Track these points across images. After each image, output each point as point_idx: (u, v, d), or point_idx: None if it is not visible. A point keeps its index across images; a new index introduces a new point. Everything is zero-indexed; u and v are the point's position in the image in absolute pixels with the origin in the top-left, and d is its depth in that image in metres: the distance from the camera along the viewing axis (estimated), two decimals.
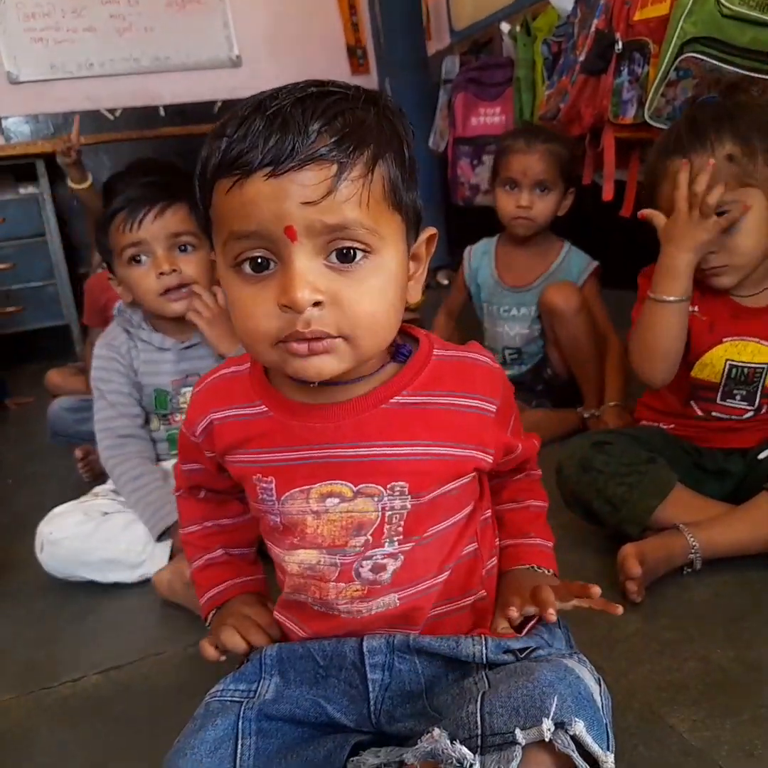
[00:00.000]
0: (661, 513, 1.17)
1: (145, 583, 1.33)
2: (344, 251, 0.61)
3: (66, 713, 1.02)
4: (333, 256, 0.61)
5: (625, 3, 2.22)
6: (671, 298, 1.18)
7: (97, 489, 1.49)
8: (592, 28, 2.31)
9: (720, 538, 1.14)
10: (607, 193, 2.31)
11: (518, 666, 0.67)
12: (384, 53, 4.38)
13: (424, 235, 0.70)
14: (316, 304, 0.61)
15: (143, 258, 1.35)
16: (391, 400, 0.71)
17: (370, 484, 0.70)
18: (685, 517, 1.17)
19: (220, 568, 0.86)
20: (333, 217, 0.60)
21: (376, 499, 0.71)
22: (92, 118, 3.88)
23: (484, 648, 0.71)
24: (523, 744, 0.59)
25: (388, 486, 0.70)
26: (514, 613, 0.73)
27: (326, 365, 0.64)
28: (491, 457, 0.75)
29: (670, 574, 1.13)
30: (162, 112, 4.01)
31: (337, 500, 0.71)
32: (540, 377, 1.92)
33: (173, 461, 1.47)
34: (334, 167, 0.59)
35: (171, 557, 1.33)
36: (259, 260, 0.62)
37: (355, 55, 4.45)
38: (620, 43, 2.17)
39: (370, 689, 0.74)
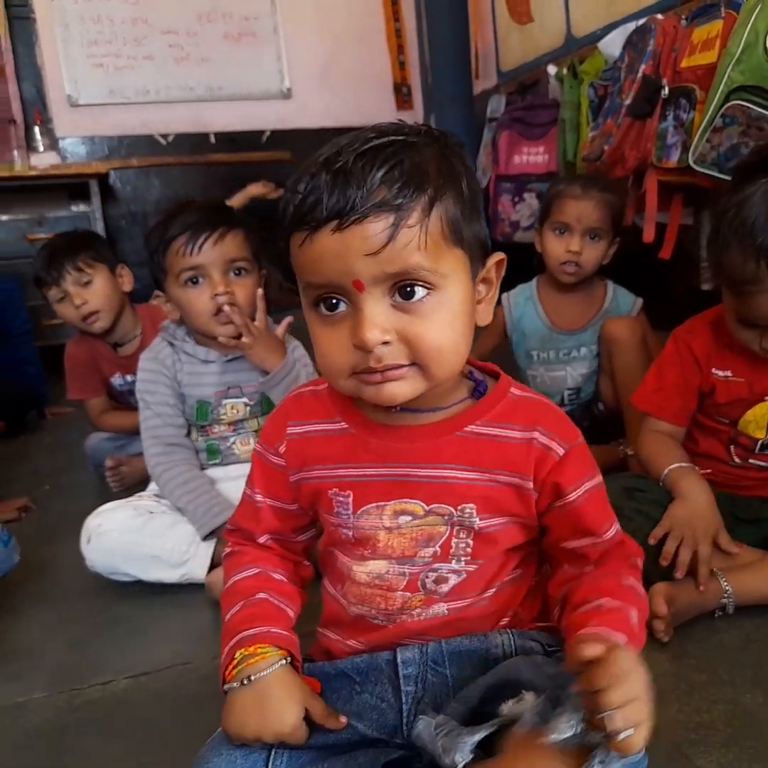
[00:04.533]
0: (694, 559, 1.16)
1: (174, 592, 1.35)
2: (408, 290, 0.64)
3: (94, 715, 1.04)
4: (398, 296, 0.65)
5: (672, 50, 2.26)
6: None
7: (141, 493, 1.52)
8: (640, 73, 2.34)
9: (753, 585, 1.13)
10: (648, 235, 2.32)
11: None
12: (431, 90, 4.47)
13: (492, 260, 0.72)
14: (385, 342, 0.64)
15: (200, 280, 1.39)
16: (466, 429, 0.73)
17: (441, 505, 0.74)
18: (718, 563, 1.16)
19: (260, 609, 0.78)
20: (394, 265, 0.63)
21: (446, 517, 0.74)
22: (146, 143, 4.02)
23: (510, 638, 0.76)
24: None
25: (459, 507, 0.73)
26: None
27: (399, 390, 0.67)
28: (545, 493, 0.75)
29: (700, 616, 1.12)
30: (212, 140, 4.13)
31: (409, 517, 0.74)
32: (589, 413, 1.93)
33: (213, 470, 1.51)
34: (392, 216, 0.62)
35: (212, 561, 1.35)
36: (334, 301, 0.66)
37: (401, 91, 4.55)
38: (667, 89, 2.20)
39: (404, 701, 0.75)
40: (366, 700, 0.76)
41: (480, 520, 0.74)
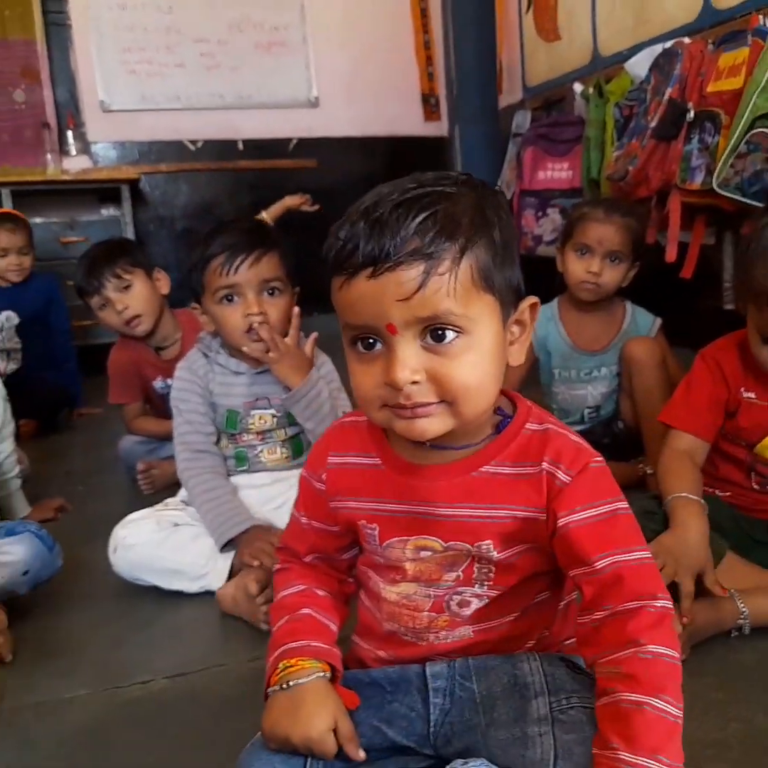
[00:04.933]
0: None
1: (205, 594, 1.40)
2: (438, 333, 0.68)
3: (136, 714, 1.09)
4: (428, 338, 0.68)
5: (699, 74, 2.30)
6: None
7: (169, 500, 1.58)
8: (666, 96, 2.38)
9: None
10: (671, 255, 2.37)
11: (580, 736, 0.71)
12: (456, 103, 4.52)
13: (526, 303, 0.75)
14: (415, 382, 0.68)
15: (235, 298, 1.45)
16: (481, 469, 0.77)
17: (458, 542, 0.78)
18: (735, 584, 1.19)
19: (304, 624, 0.83)
20: (425, 310, 0.67)
21: (464, 552, 0.78)
22: (175, 148, 4.09)
23: (538, 665, 0.79)
24: None
25: (475, 544, 0.77)
26: None
27: (429, 426, 0.71)
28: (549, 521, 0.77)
29: (717, 636, 1.16)
30: (240, 146, 4.20)
31: (429, 552, 0.79)
32: (609, 430, 1.97)
33: (240, 476, 1.56)
34: (424, 264, 0.66)
35: (230, 574, 1.41)
36: (370, 341, 0.71)
37: (429, 102, 4.60)
38: (692, 113, 2.24)
39: (432, 712, 0.80)
40: (396, 709, 0.81)
41: (497, 553, 0.77)
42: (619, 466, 1.88)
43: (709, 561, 1.17)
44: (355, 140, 4.43)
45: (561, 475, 0.75)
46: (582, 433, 0.88)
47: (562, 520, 0.74)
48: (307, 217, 3.31)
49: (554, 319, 2.03)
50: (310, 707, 0.75)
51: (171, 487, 2.00)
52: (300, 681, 0.77)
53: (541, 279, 2.26)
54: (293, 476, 1.58)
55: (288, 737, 0.74)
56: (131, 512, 1.94)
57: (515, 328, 0.76)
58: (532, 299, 0.76)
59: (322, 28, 4.26)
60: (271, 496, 1.56)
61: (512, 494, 0.76)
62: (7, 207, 3.35)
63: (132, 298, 1.98)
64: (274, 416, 1.56)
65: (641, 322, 1.97)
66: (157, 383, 2.08)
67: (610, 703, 0.69)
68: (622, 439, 1.97)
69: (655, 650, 0.69)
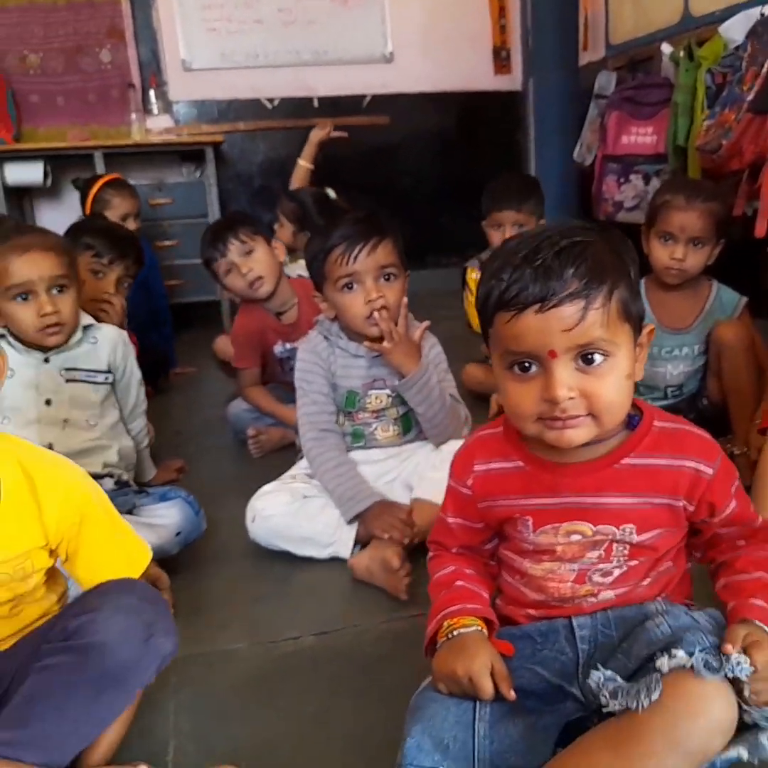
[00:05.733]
0: None
1: (332, 560, 1.55)
2: (589, 357, 0.83)
3: (290, 666, 1.25)
4: (580, 361, 0.83)
5: None
6: None
7: (294, 471, 1.72)
8: (765, 68, 2.36)
9: None
10: (761, 229, 2.37)
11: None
12: (531, 56, 4.45)
13: (645, 329, 0.90)
14: (570, 398, 0.82)
15: (355, 286, 1.55)
16: (622, 462, 0.91)
17: (606, 526, 0.92)
18: None
19: (459, 592, 0.98)
20: (583, 338, 0.81)
21: (609, 535, 0.92)
22: (252, 106, 4.15)
23: (663, 604, 0.94)
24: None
25: (620, 527, 0.92)
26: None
27: (576, 435, 0.85)
28: (701, 511, 0.93)
29: None
30: (316, 104, 4.23)
31: (579, 536, 0.93)
32: (694, 406, 2.04)
33: (356, 452, 1.69)
34: (583, 302, 0.80)
35: (355, 541, 1.55)
36: (527, 365, 0.84)
37: (500, 56, 4.54)
38: None
39: (580, 655, 0.94)
40: (547, 654, 0.95)
41: (637, 535, 0.92)
42: None
43: None
44: (427, 96, 4.41)
45: (705, 469, 0.90)
46: (666, 409, 1.00)
47: (726, 509, 0.93)
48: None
49: (641, 298, 2.08)
50: (472, 649, 0.91)
51: (276, 451, 2.19)
52: (462, 631, 0.94)
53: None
54: (404, 452, 1.72)
55: (454, 670, 0.89)
56: (241, 473, 2.12)
57: (637, 349, 0.89)
58: (650, 326, 0.91)
59: None
60: (385, 470, 1.69)
61: (650, 483, 0.91)
62: (100, 168, 3.48)
63: (255, 261, 2.11)
64: (389, 396, 1.67)
65: (726, 301, 1.99)
66: (278, 348, 2.22)
67: (750, 578, 0.92)
68: (706, 416, 2.03)
69: None
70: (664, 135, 3.02)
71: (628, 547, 0.93)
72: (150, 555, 1.09)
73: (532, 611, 0.99)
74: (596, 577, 0.95)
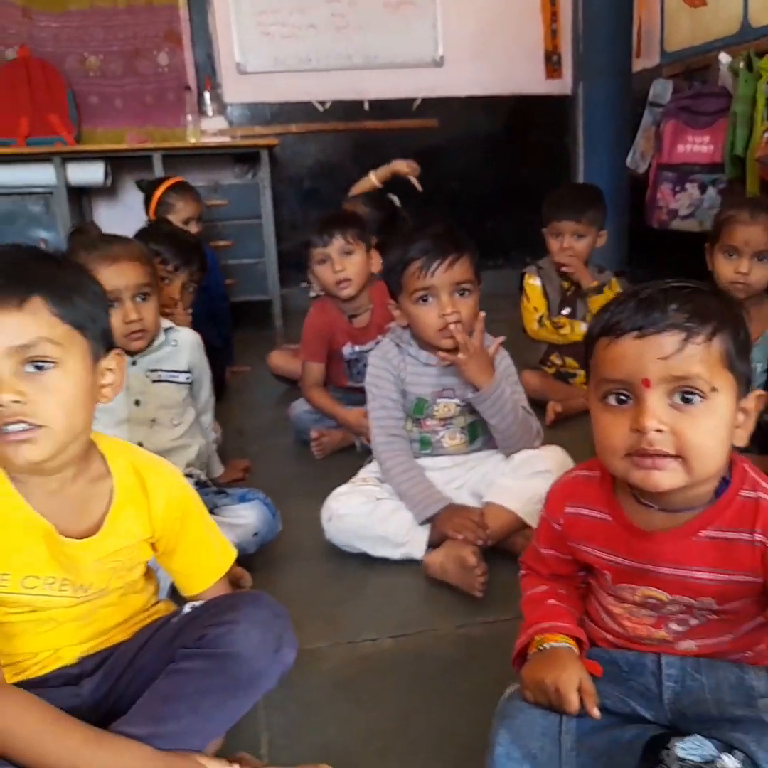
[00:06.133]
0: None
1: (406, 561, 1.59)
2: (685, 395, 0.82)
3: (371, 667, 1.29)
4: (676, 397, 0.82)
5: None
6: None
7: (364, 474, 1.76)
8: None
9: None
10: None
11: None
12: (582, 60, 4.44)
13: (753, 394, 0.88)
14: (659, 431, 0.81)
15: (430, 299, 1.59)
16: (701, 534, 0.89)
17: (682, 597, 0.92)
18: None
19: (551, 610, 1.01)
20: (679, 370, 0.81)
21: (686, 604, 0.92)
22: (304, 109, 4.21)
23: (764, 671, 0.93)
24: None
25: (698, 599, 0.91)
26: None
27: (662, 479, 0.83)
28: None
29: None
30: (366, 107, 4.27)
31: (654, 601, 0.94)
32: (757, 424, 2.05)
33: (423, 459, 1.73)
34: (683, 334, 0.81)
35: (428, 543, 1.59)
36: (622, 397, 0.85)
37: (551, 60, 4.54)
38: None
39: (664, 694, 0.95)
40: (633, 686, 0.97)
41: (717, 605, 0.91)
42: (764, 459, 1.96)
43: None
44: (476, 99, 4.44)
45: None
46: None
47: None
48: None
49: (752, 363, 2.09)
50: (562, 661, 0.93)
51: (337, 452, 2.24)
52: (554, 644, 0.96)
53: (672, 252, 2.30)
54: (470, 461, 1.75)
55: (542, 679, 0.91)
56: (303, 473, 2.18)
57: (741, 415, 0.88)
58: (760, 391, 0.89)
59: None
60: (452, 477, 1.73)
61: (729, 559, 0.88)
62: (158, 169, 3.56)
63: (350, 263, 2.19)
64: (457, 405, 1.71)
65: None
66: (346, 349, 2.29)
67: None
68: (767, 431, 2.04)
69: None
70: (721, 145, 3.02)
71: (707, 611, 0.93)
72: (235, 553, 1.14)
73: (610, 637, 1.01)
74: (673, 626, 0.95)
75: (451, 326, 1.58)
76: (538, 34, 4.47)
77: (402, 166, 3.56)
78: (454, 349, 1.61)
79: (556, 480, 1.05)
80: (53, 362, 0.85)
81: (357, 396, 2.28)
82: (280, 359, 2.81)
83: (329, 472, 2.06)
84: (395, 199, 3.23)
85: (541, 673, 0.92)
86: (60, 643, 0.97)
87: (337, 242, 2.18)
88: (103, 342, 0.94)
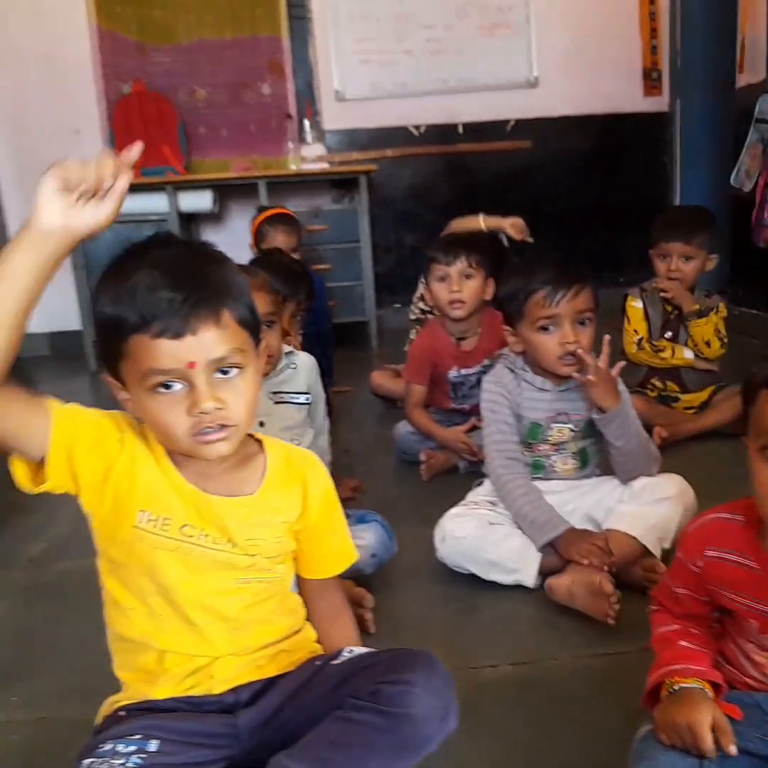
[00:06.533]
0: None
1: (519, 588, 1.60)
2: None
3: (492, 695, 1.29)
4: None
5: None
6: None
7: (475, 497, 1.78)
8: None
9: None
10: None
11: None
12: (680, 75, 4.38)
13: None
14: None
15: (551, 328, 1.61)
16: None
17: None
18: None
19: (683, 652, 1.00)
20: None
21: None
22: (400, 134, 4.30)
23: None
24: None
25: None
26: None
27: None
28: None
29: None
30: (460, 130, 4.33)
31: None
32: None
33: (537, 483, 1.74)
34: None
35: (539, 571, 1.60)
36: None
37: (650, 77, 4.49)
38: None
39: None
40: None
41: None
42: None
43: None
44: (571, 119, 4.43)
45: None
46: None
47: None
48: None
49: None
50: (694, 701, 0.92)
51: (441, 473, 2.27)
52: (685, 686, 0.96)
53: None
54: (582, 486, 1.75)
55: (674, 719, 0.91)
56: (408, 494, 2.22)
57: None
58: None
59: (546, 6, 4.26)
60: (565, 500, 1.73)
61: None
62: (263, 196, 3.70)
63: (466, 287, 2.23)
64: (571, 430, 1.72)
65: None
66: (452, 373, 2.33)
67: None
68: None
69: None
70: None
71: None
72: (356, 556, 1.17)
73: (750, 682, 1.00)
74: None
75: (579, 351, 1.61)
76: (636, 51, 4.43)
77: (513, 229, 3.53)
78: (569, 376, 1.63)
79: (692, 520, 1.04)
80: (239, 367, 0.92)
81: (457, 418, 2.34)
82: (382, 379, 2.88)
83: (433, 493, 2.10)
84: (504, 238, 3.25)
85: (672, 714, 0.92)
86: (212, 650, 1.00)
87: (460, 264, 2.23)
88: (258, 338, 0.98)
